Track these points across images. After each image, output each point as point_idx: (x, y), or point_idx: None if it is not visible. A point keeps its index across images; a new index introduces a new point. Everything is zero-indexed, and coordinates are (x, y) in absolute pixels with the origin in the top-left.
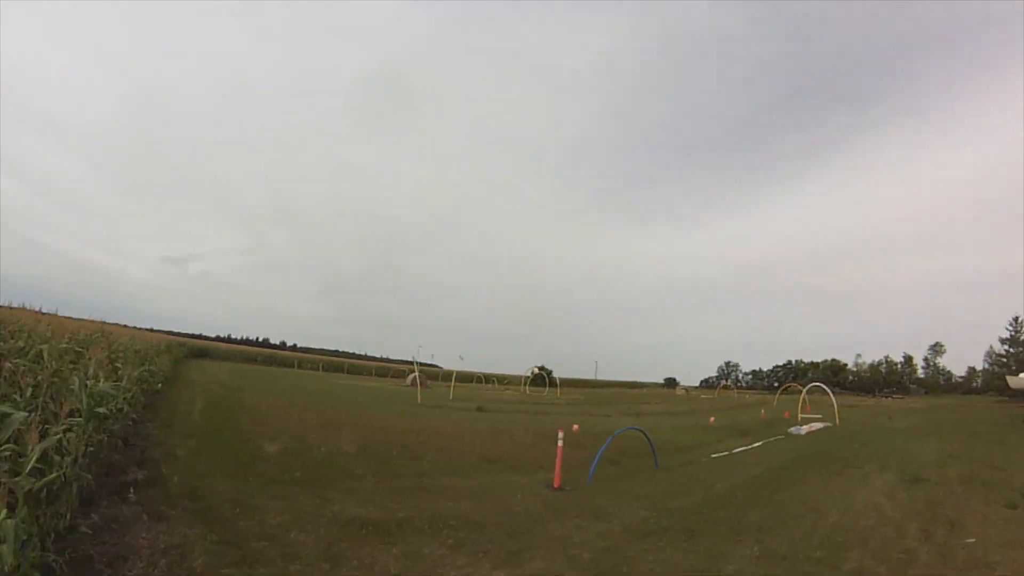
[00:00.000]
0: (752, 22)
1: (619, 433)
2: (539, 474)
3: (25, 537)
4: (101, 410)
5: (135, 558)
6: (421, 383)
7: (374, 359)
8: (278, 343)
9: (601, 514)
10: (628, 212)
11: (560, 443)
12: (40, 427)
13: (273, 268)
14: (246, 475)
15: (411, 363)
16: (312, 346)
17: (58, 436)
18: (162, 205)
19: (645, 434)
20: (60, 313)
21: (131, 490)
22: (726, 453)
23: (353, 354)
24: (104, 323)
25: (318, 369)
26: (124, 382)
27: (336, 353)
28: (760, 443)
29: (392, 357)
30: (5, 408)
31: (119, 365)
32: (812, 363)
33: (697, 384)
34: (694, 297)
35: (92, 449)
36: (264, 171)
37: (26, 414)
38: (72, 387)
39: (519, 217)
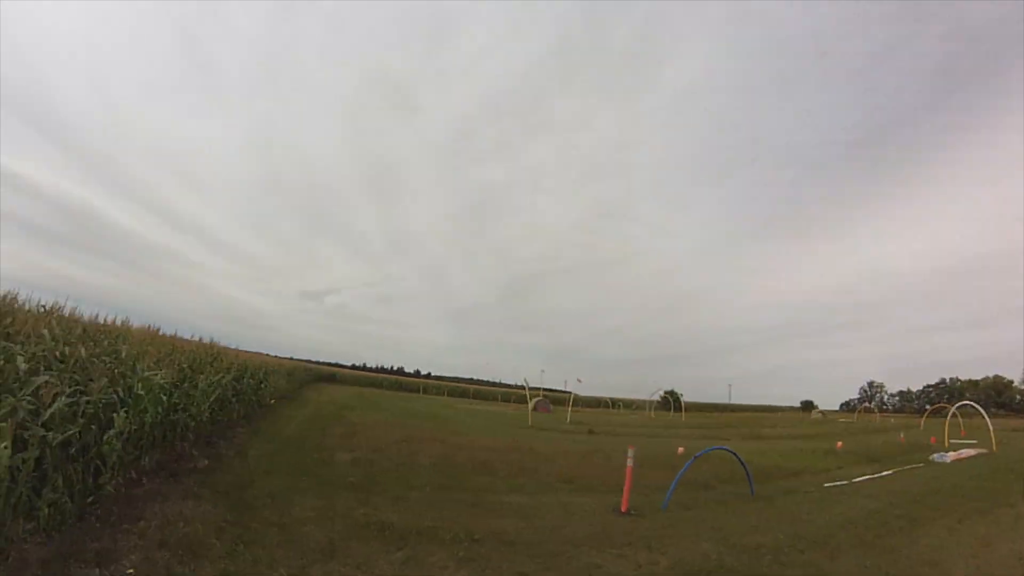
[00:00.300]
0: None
1: (702, 454)
2: (614, 497)
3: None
4: (141, 395)
5: (147, 518)
6: (543, 407)
7: (507, 386)
8: (412, 371)
9: (655, 545)
10: (759, 228)
11: (629, 463)
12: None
13: (406, 299)
14: (302, 477)
15: (537, 389)
16: (445, 374)
17: (72, 402)
18: (298, 245)
19: (737, 456)
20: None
21: (184, 473)
22: (844, 483)
23: (485, 381)
24: (240, 350)
25: (443, 394)
26: (201, 386)
27: (470, 380)
28: (891, 472)
29: (518, 383)
30: (45, 377)
31: (197, 374)
32: (970, 381)
33: (837, 408)
34: (833, 315)
35: (136, 428)
36: (387, 207)
37: (47, 377)
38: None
39: (644, 241)
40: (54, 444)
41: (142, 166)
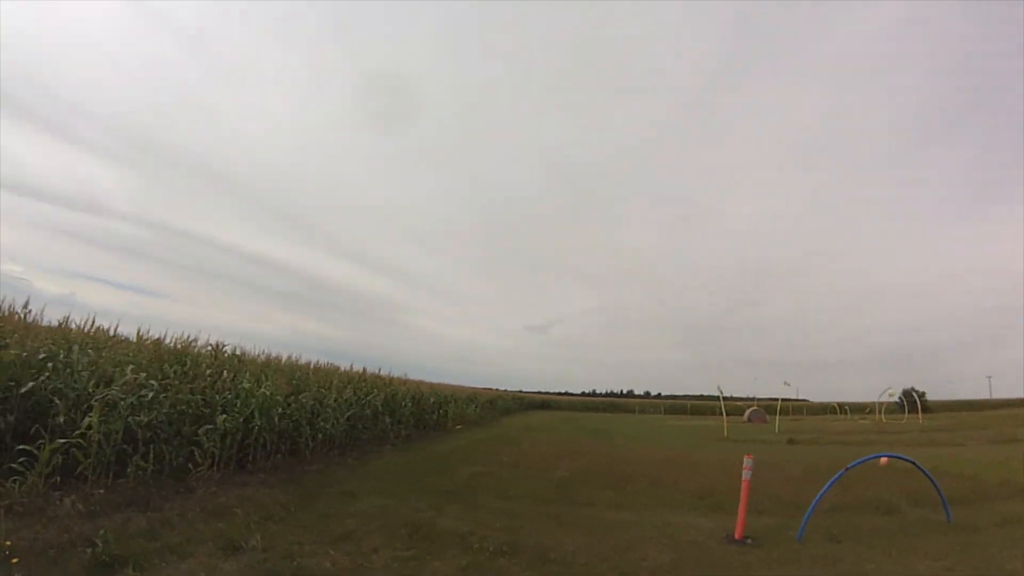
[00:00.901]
0: None
1: (855, 465)
2: (750, 520)
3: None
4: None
5: (200, 494)
6: (758, 418)
7: (739, 399)
8: (642, 393)
9: None
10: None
11: (746, 477)
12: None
13: (629, 323)
14: (404, 485)
15: (750, 400)
16: (677, 392)
17: (154, 398)
18: (517, 281)
19: (920, 467)
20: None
21: (266, 469)
22: None
23: (713, 396)
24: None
25: (660, 412)
26: (331, 403)
27: (699, 397)
28: None
29: (758, 396)
30: (150, 382)
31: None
32: None
33: None
34: None
35: (238, 428)
36: (599, 231)
37: (138, 376)
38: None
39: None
40: (141, 424)
41: (367, 225)
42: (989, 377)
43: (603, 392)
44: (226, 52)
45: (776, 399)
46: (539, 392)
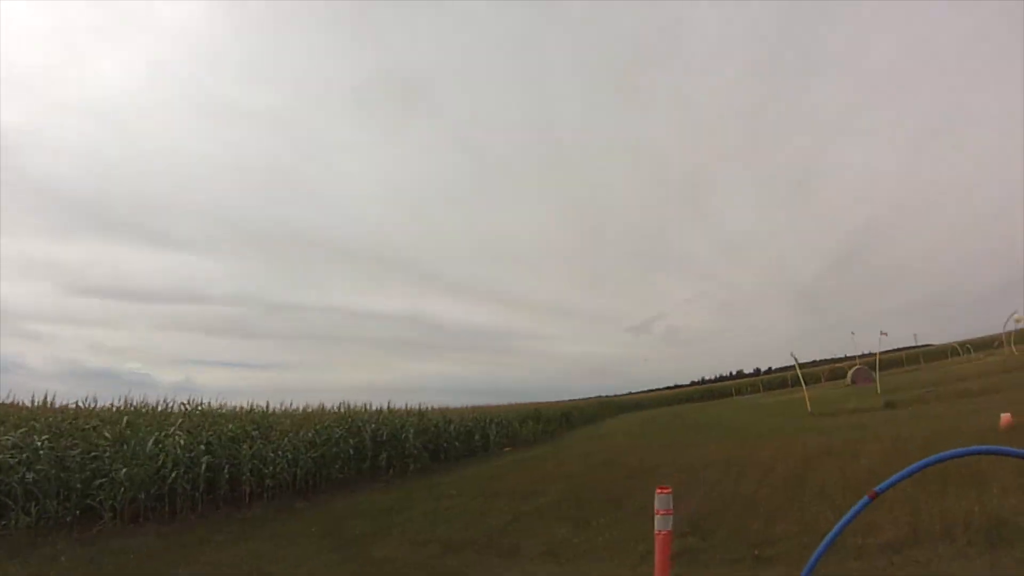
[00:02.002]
0: None
1: (889, 486)
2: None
3: None
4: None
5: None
6: (863, 379)
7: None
8: (752, 371)
9: None
10: None
11: (663, 529)
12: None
13: (742, 300)
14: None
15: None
16: (786, 364)
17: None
18: (611, 286)
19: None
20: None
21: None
22: None
23: (825, 361)
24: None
25: (758, 391)
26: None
27: (812, 364)
28: None
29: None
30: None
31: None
32: None
33: None
34: None
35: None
36: (696, 214)
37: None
38: None
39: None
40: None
41: (471, 266)
42: None
43: (711, 378)
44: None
45: (890, 350)
46: (647, 391)
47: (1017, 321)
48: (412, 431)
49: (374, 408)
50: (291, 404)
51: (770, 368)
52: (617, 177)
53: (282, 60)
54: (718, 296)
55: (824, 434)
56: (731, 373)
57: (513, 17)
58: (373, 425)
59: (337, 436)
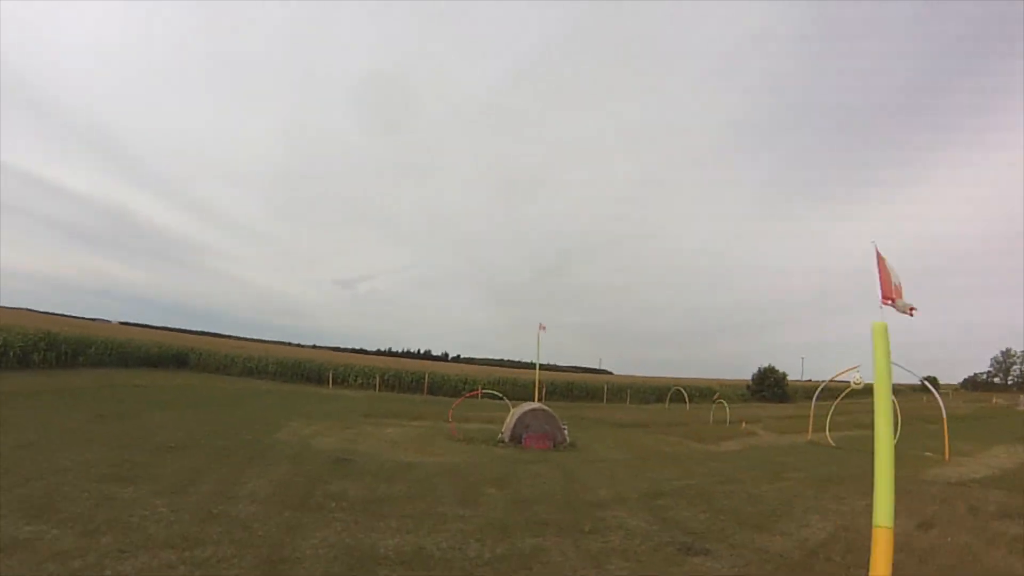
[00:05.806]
0: None
1: None
2: None
3: None
4: None
5: None
6: (538, 439)
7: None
8: (440, 354)
9: None
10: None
11: None
12: None
13: (437, 282)
14: None
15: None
16: (487, 356)
17: None
18: (329, 233)
19: None
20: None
21: None
22: None
23: (516, 363)
24: None
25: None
26: None
27: (500, 362)
28: None
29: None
30: None
31: None
32: None
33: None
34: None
35: None
36: (421, 190)
37: None
38: None
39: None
40: None
41: (176, 164)
42: (803, 358)
43: (399, 351)
44: None
45: (588, 369)
46: (337, 348)
47: (856, 384)
48: None
49: None
50: None
51: (459, 356)
52: (345, 126)
53: None
54: (424, 272)
55: None
56: (419, 350)
57: None
58: None
59: None
